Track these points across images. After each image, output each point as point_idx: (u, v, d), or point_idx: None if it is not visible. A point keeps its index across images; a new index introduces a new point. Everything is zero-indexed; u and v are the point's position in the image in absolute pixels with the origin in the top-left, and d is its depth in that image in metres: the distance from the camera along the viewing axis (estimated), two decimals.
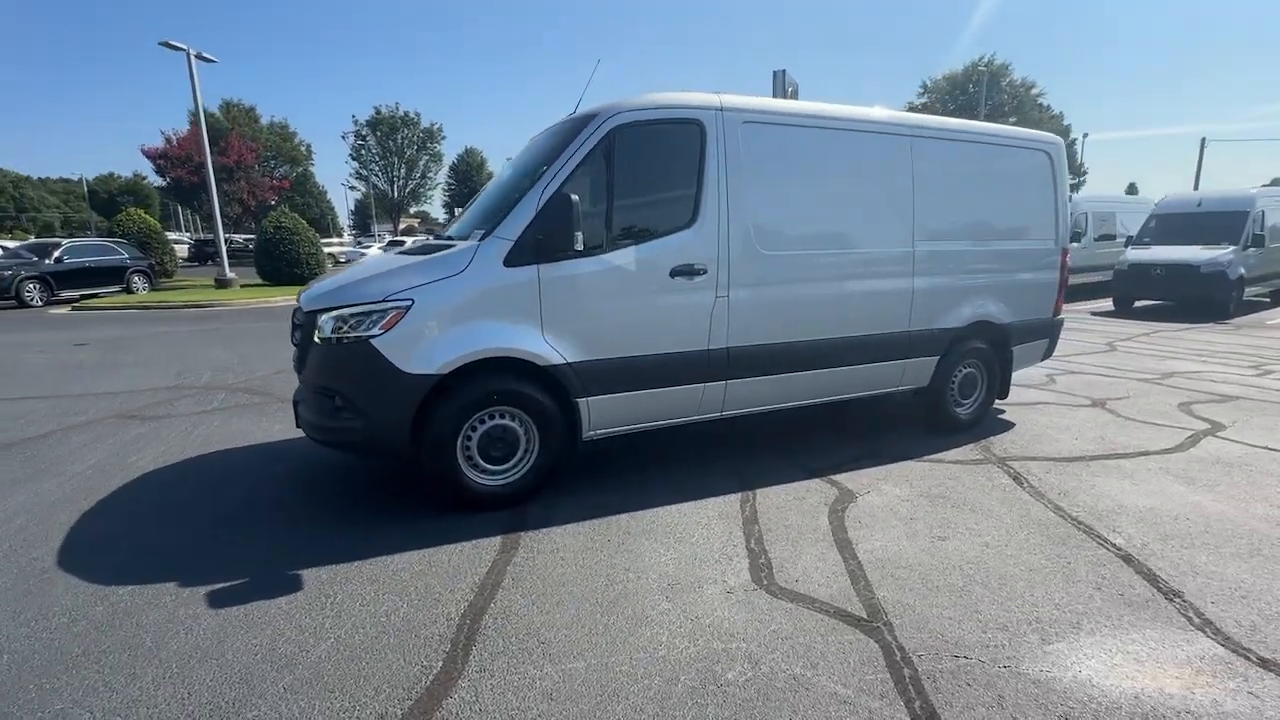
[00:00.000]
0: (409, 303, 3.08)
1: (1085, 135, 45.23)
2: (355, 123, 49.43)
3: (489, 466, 3.37)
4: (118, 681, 2.06)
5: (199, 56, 16.88)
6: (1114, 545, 3.05)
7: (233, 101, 41.69)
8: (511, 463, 3.42)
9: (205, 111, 18.53)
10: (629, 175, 3.48)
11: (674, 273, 3.55)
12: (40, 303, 15.38)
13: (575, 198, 3.12)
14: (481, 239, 3.25)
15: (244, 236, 34.62)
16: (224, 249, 19.38)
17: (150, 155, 32.78)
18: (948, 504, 3.55)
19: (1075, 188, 44.28)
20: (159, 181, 36.46)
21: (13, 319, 12.84)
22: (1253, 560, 2.90)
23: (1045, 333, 5.18)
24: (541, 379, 3.35)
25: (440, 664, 2.16)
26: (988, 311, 4.72)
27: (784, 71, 21.36)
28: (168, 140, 32.03)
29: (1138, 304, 12.93)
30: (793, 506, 3.50)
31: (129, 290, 17.21)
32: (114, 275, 17.17)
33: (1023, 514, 3.41)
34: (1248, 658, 2.22)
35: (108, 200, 61.79)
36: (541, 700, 1.99)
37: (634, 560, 2.89)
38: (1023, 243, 4.90)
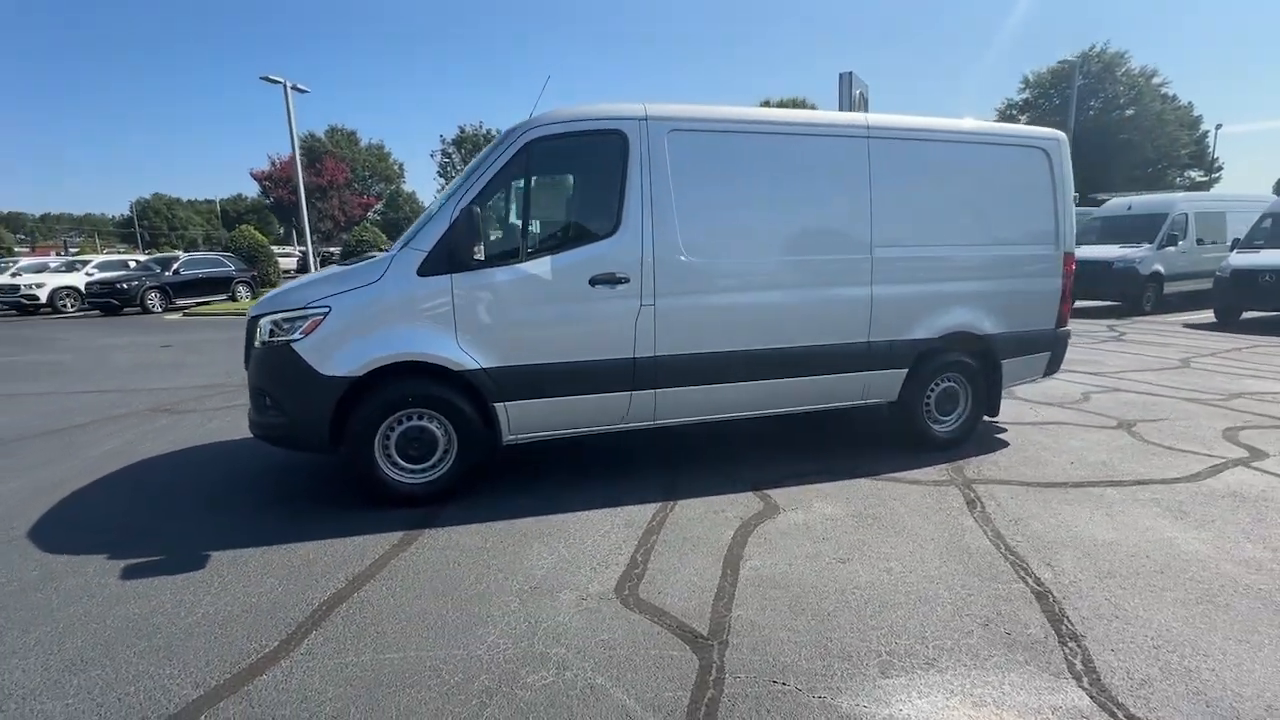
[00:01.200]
0: (326, 310, 3.32)
1: (1218, 126, 40.23)
2: (442, 141, 52.70)
3: (407, 465, 3.55)
4: (11, 635, 2.39)
5: (294, 87, 18.72)
6: (1035, 580, 2.77)
7: (337, 127, 45.75)
8: (430, 463, 3.59)
9: (312, 135, 20.49)
10: (547, 187, 3.57)
11: (594, 281, 3.59)
12: (160, 309, 17.56)
13: (477, 210, 3.25)
14: (399, 250, 3.46)
15: (336, 249, 37.75)
16: (313, 261, 21.26)
17: (257, 178, 36.39)
18: (875, 525, 3.34)
19: (1208, 185, 39.48)
20: (266, 201, 40.28)
21: (130, 323, 14.77)
22: (1196, 607, 2.54)
23: (1045, 346, 4.72)
24: (458, 384, 3.49)
25: (275, 644, 2.32)
26: (968, 322, 4.39)
27: (850, 74, 20.75)
28: (272, 163, 35.51)
29: (1246, 315, 11.39)
30: (706, 519, 3.42)
31: (233, 298, 19.28)
32: (222, 285, 19.29)
33: (953, 540, 3.15)
34: (1113, 714, 1.97)
35: (235, 219, 69.53)
36: (340, 684, 2.11)
37: (513, 562, 2.96)
38: (1014, 248, 4.51)
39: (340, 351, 3.32)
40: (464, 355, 3.44)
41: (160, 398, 6.36)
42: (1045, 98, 42.22)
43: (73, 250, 51.71)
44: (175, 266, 18.46)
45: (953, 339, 4.39)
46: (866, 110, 23.38)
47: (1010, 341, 4.53)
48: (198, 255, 20.76)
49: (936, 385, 4.47)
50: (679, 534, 3.24)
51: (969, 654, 2.26)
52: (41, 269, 20.27)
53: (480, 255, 3.28)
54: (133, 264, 20.71)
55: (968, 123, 4.46)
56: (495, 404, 3.55)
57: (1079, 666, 2.19)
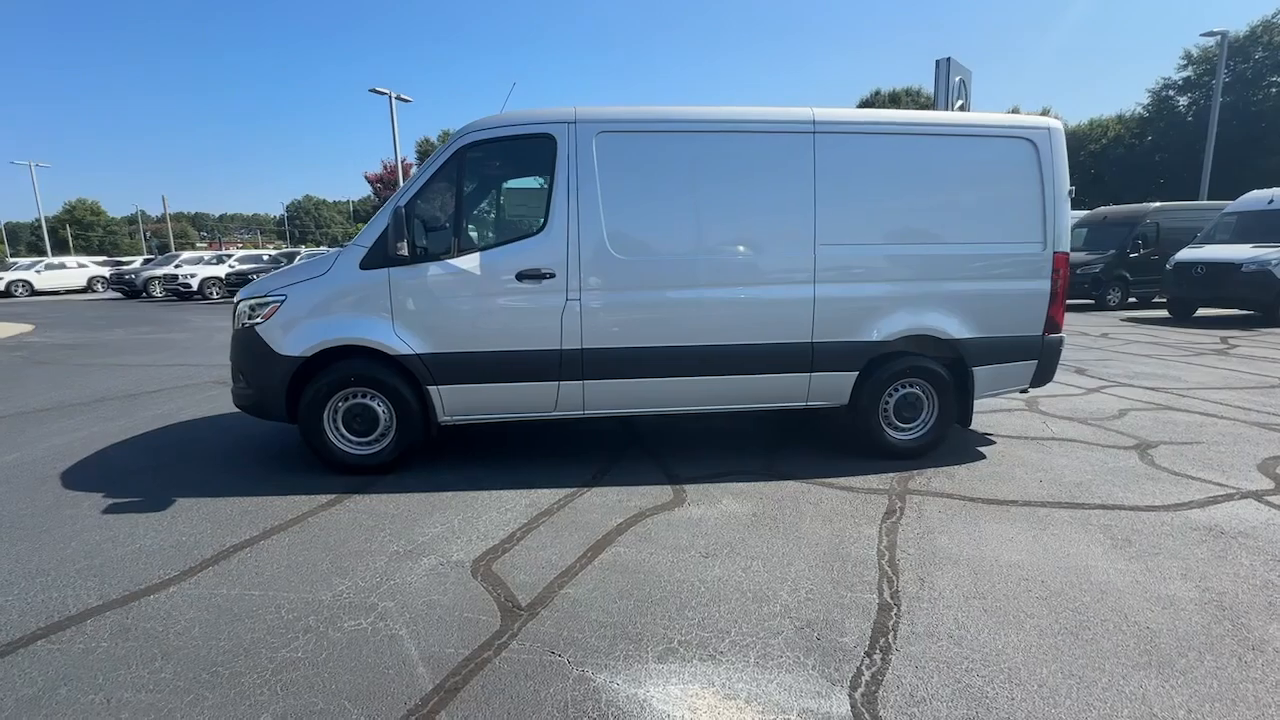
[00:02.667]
0: (283, 297, 3.82)
1: None
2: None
3: (353, 438, 3.98)
4: (1, 547, 3.05)
5: (398, 97, 20.54)
6: (892, 593, 2.65)
7: (448, 131, 49.32)
8: (373, 437, 3.99)
9: (427, 140, 22.40)
10: (480, 188, 3.84)
11: (521, 276, 3.82)
12: None
13: (402, 210, 3.59)
14: (348, 246, 3.88)
15: None
16: None
17: (370, 180, 40.10)
18: (768, 526, 3.31)
19: None
20: (376, 201, 44.15)
21: None
22: (1054, 638, 2.34)
23: (1029, 353, 4.32)
24: (396, 367, 3.86)
25: (175, 574, 2.78)
26: (929, 324, 4.14)
27: (949, 60, 19.59)
28: (384, 166, 38.91)
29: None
30: (605, 507, 3.55)
31: None
32: None
33: (838, 547, 3.06)
34: None
35: (364, 217, 77.04)
36: (200, 609, 2.50)
37: (408, 528, 3.27)
38: (990, 246, 4.18)
39: (293, 334, 3.80)
40: (399, 342, 3.81)
41: (224, 373, 7.41)
42: (1211, 74, 36.57)
43: (239, 246, 59.66)
44: (296, 261, 20.93)
45: (913, 342, 4.17)
46: (967, 98, 21.67)
47: (984, 347, 4.21)
48: (316, 250, 23.38)
49: (895, 390, 4.26)
50: (570, 518, 3.40)
51: (761, 652, 2.26)
52: (198, 261, 23.74)
53: (404, 251, 3.61)
54: (265, 258, 23.69)
55: (937, 114, 4.19)
56: (428, 387, 3.88)
57: (865, 678, 2.12)
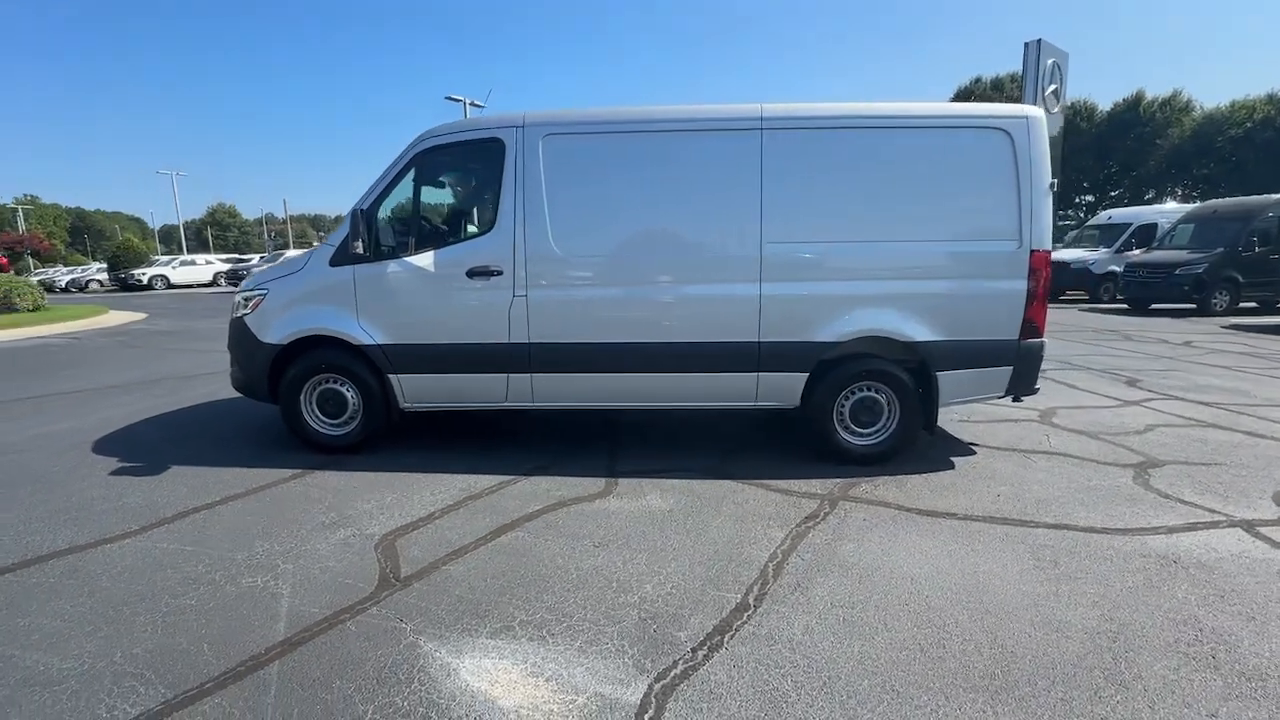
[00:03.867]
0: (265, 291, 4.25)
1: None
2: None
3: (326, 419, 4.36)
4: (20, 496, 3.63)
5: (472, 104, 21.63)
6: (757, 594, 2.63)
7: None
8: (343, 419, 4.35)
9: None
10: (437, 190, 4.10)
11: (471, 273, 4.04)
12: None
13: (359, 212, 3.90)
14: (321, 245, 4.26)
15: None
16: None
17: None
18: (676, 521, 3.33)
19: None
20: None
21: None
22: (899, 652, 2.24)
23: (1003, 359, 4.02)
24: (360, 356, 4.20)
25: (136, 529, 3.22)
26: (885, 326, 3.96)
27: (1039, 42, 18.33)
28: None
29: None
30: (532, 496, 3.68)
31: None
32: None
33: (736, 548, 3.04)
34: (651, 713, 1.95)
35: None
36: (135, 557, 2.90)
37: (345, 502, 3.56)
38: (956, 244, 3.94)
39: (273, 324, 4.23)
40: (362, 333, 4.14)
41: None
42: None
43: None
44: None
45: (868, 343, 4.01)
46: (1062, 82, 19.94)
47: (949, 351, 3.98)
48: None
49: (852, 394, 4.11)
50: (492, 504, 3.58)
51: (590, 638, 2.32)
52: None
53: (359, 250, 3.94)
54: None
55: (899, 106, 3.97)
56: (389, 375, 4.19)
57: (675, 672, 2.14)
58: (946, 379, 4.02)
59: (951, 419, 5.27)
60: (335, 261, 4.14)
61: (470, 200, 4.24)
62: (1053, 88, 20.78)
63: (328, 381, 4.29)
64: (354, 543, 3.08)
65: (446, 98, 21.21)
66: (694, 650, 2.26)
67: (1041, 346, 4.04)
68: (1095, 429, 4.96)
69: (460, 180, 4.26)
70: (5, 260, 23.21)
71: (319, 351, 4.23)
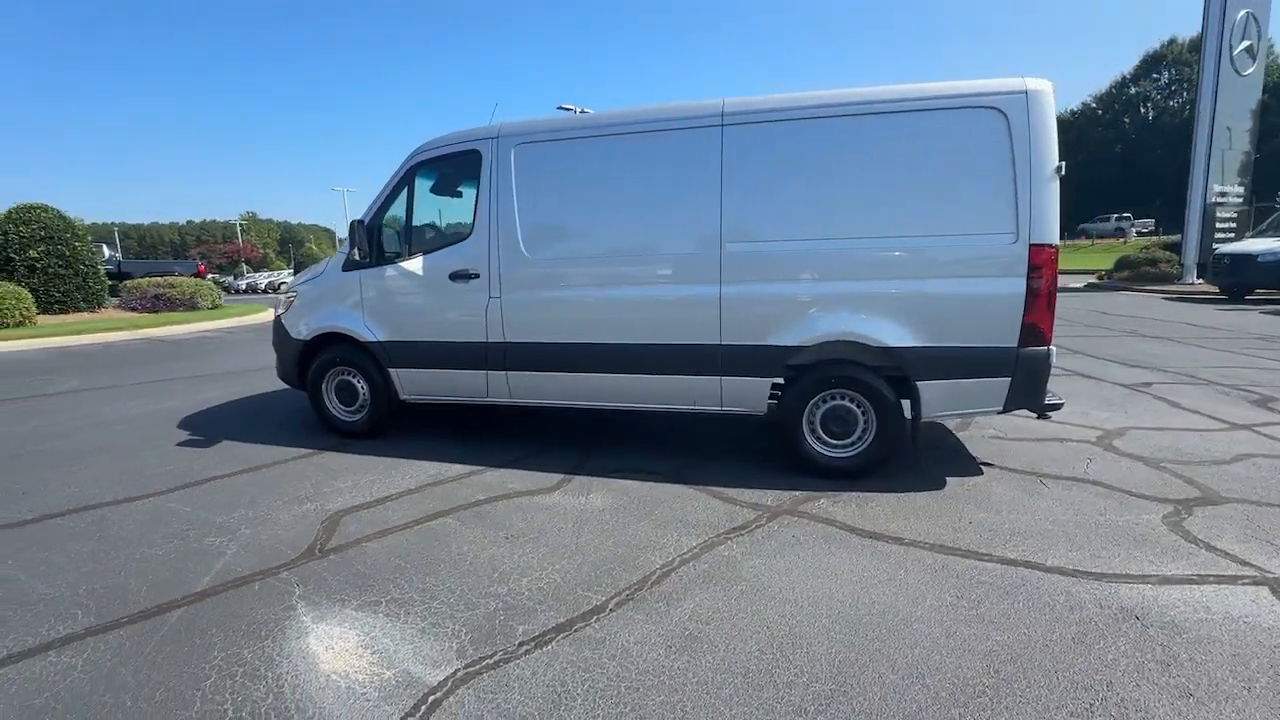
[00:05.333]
0: (297, 294, 4.88)
1: None
2: None
3: (342, 407, 4.90)
4: (105, 461, 4.53)
5: (580, 110, 22.56)
6: (623, 599, 2.60)
7: None
8: (355, 407, 4.87)
9: None
10: (426, 200, 4.45)
11: (453, 276, 4.34)
12: None
13: (357, 224, 4.36)
14: (339, 252, 4.79)
15: None
16: None
17: None
18: (599, 522, 3.35)
19: None
20: None
21: None
22: (721, 674, 2.13)
23: (998, 369, 3.52)
24: (366, 352, 4.68)
25: (164, 490, 3.89)
26: (855, 330, 3.66)
27: None
28: None
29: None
30: (485, 486, 3.87)
31: None
32: None
33: (635, 551, 3.01)
34: (441, 694, 2.06)
35: None
36: (137, 514, 3.52)
37: (327, 480, 4.00)
38: (939, 240, 3.53)
39: (299, 322, 4.85)
40: (367, 331, 4.61)
41: None
42: None
43: None
44: None
45: (838, 348, 3.73)
46: (1259, 38, 16.66)
47: (932, 359, 3.59)
48: None
49: (823, 402, 3.85)
50: (447, 492, 3.81)
51: (435, 620, 2.46)
52: None
53: (357, 257, 4.41)
54: None
55: (873, 90, 3.62)
56: (388, 369, 4.63)
57: (488, 662, 2.21)
58: (930, 389, 3.62)
59: (983, 434, 4.70)
60: (346, 267, 4.66)
61: (455, 208, 4.56)
62: (1245, 44, 17.12)
63: (343, 373, 4.84)
64: (310, 516, 3.48)
65: (559, 106, 22.35)
66: (520, 644, 2.31)
67: (1047, 355, 3.50)
68: (1162, 455, 4.17)
69: (448, 189, 4.60)
70: (204, 267, 28.16)
71: (336, 347, 4.78)
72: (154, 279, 16.25)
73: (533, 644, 2.31)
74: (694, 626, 2.40)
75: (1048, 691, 2.01)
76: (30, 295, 12.21)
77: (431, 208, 4.56)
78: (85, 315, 13.22)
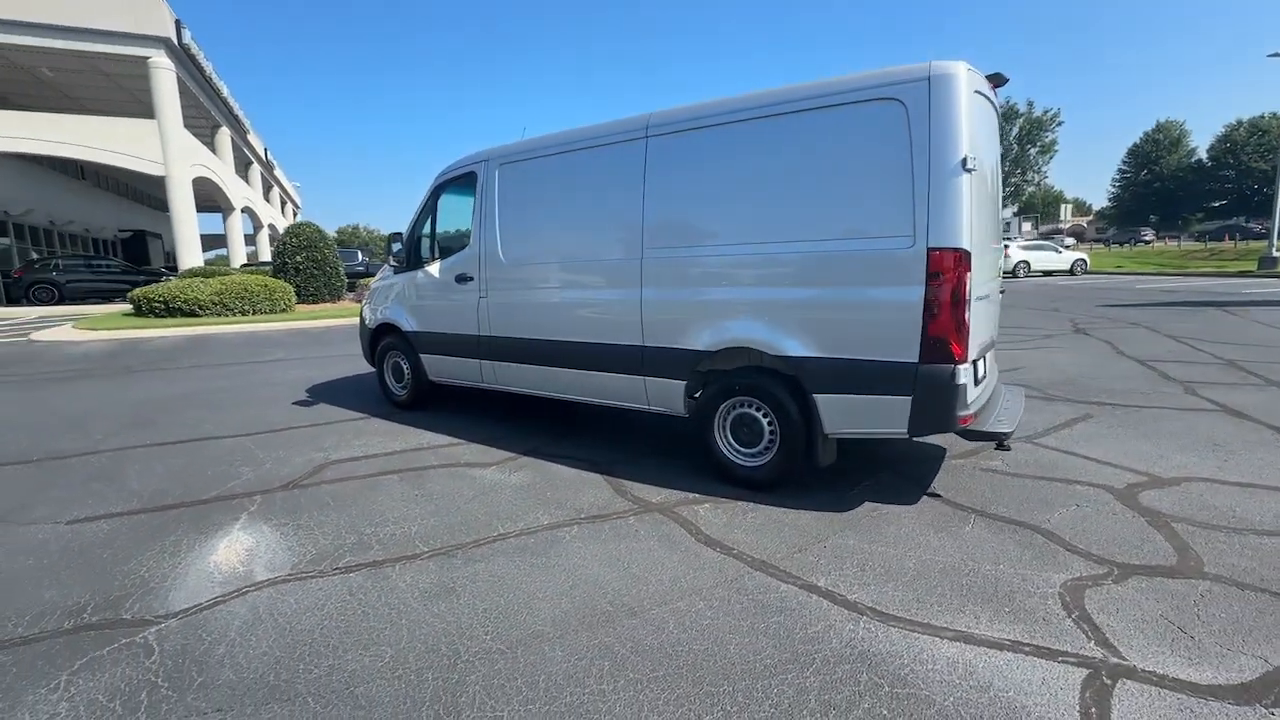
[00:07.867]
0: (371, 290, 6.13)
1: None
2: None
3: (394, 383, 6.03)
4: (236, 413, 6.21)
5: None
6: (427, 551, 3.08)
7: None
8: (402, 384, 5.95)
9: None
10: (446, 215, 5.33)
11: (458, 279, 5.15)
12: None
13: (395, 235, 5.38)
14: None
15: None
16: None
17: None
18: (490, 494, 3.79)
19: None
20: None
21: None
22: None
23: (898, 386, 3.18)
24: (406, 339, 5.72)
25: (229, 435, 5.30)
26: (749, 336, 3.60)
27: None
28: None
29: None
30: (449, 458, 4.55)
31: None
32: None
33: (474, 520, 3.43)
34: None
35: None
36: (149, 457, 4.89)
37: (352, 438, 5.03)
38: (832, 243, 3.32)
39: (368, 314, 6.10)
40: (407, 322, 5.66)
41: None
42: None
43: None
44: None
45: (731, 355, 3.72)
46: None
47: (827, 371, 3.40)
48: None
49: (732, 409, 3.82)
50: (418, 458, 4.54)
51: (303, 540, 3.19)
52: None
53: (393, 264, 5.45)
54: None
55: (776, 90, 3.48)
56: (419, 354, 5.62)
57: (307, 575, 2.88)
58: (827, 404, 3.42)
59: (986, 464, 4.10)
60: (395, 271, 5.76)
61: (464, 221, 5.34)
62: None
63: (394, 356, 5.97)
64: (314, 462, 4.52)
65: None
66: (335, 569, 2.93)
67: (953, 374, 3.09)
68: (1190, 515, 3.33)
69: (460, 205, 5.41)
70: None
71: (390, 334, 5.93)
72: None
73: (342, 570, 2.92)
74: (461, 582, 2.79)
75: (690, 688, 2.03)
76: (293, 290, 16.36)
77: (450, 221, 5.43)
78: (327, 305, 17.23)
